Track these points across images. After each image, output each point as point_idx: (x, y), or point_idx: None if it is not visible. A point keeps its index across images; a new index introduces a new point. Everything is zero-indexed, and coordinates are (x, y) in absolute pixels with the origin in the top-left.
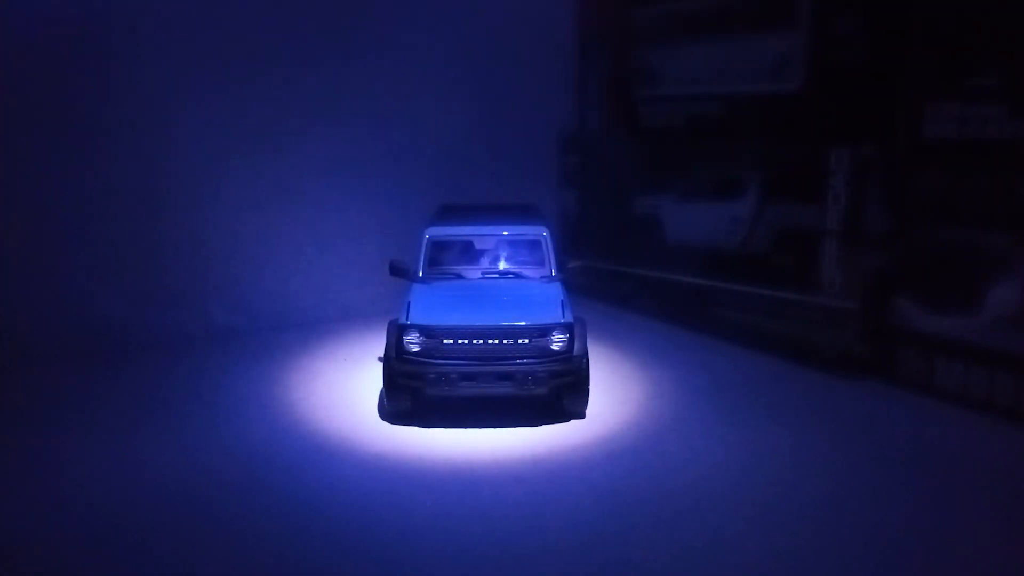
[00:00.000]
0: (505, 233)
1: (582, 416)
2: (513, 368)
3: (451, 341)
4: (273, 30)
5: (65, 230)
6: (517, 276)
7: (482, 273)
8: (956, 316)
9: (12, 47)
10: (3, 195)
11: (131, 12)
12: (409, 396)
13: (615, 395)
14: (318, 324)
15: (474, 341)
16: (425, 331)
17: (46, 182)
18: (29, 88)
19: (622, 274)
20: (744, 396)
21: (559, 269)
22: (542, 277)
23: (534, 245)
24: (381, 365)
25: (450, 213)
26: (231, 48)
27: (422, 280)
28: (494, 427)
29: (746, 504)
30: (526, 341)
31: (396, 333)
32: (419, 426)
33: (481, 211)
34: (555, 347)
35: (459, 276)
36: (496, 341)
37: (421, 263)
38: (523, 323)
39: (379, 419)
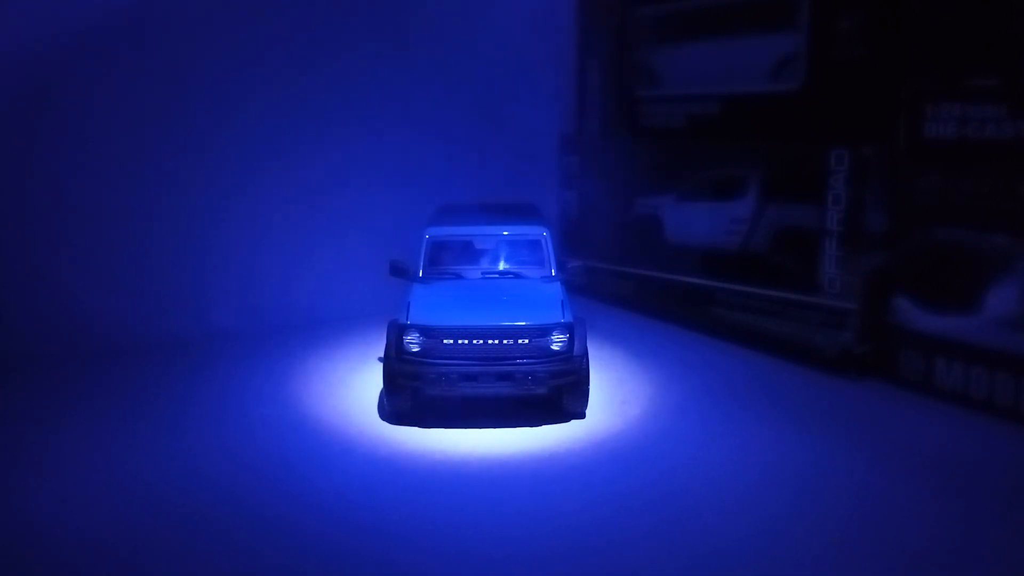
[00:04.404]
0: (505, 233)
1: (582, 416)
2: (513, 368)
3: (451, 341)
4: (277, 33)
5: (65, 232)
6: (517, 276)
7: (482, 273)
8: (956, 316)
9: (12, 48)
10: (3, 196)
11: (134, 16)
12: (409, 396)
13: (615, 395)
14: (318, 325)
15: (474, 341)
16: (425, 331)
17: (46, 184)
18: (30, 90)
19: (622, 274)
20: (744, 396)
21: (559, 269)
22: (542, 277)
23: (534, 245)
24: (381, 365)
25: (450, 213)
26: (233, 51)
27: (422, 280)
28: (494, 427)
29: (746, 504)
30: (526, 341)
31: (396, 333)
32: (419, 426)
33: (481, 211)
34: (555, 347)
35: (459, 276)
36: (496, 341)
37: (421, 263)
38: (523, 323)
39: (379, 419)
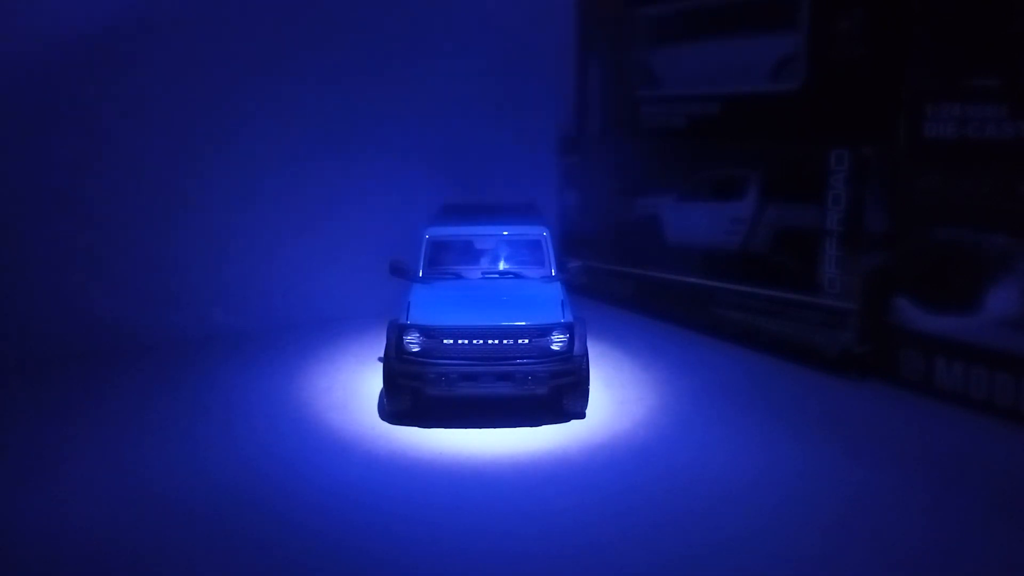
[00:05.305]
0: (505, 233)
1: (582, 416)
2: (513, 368)
3: (451, 341)
4: (277, 36)
5: (67, 232)
6: (517, 276)
7: (482, 273)
8: (956, 316)
9: (19, 51)
10: (5, 196)
11: (142, 22)
12: (409, 396)
13: (615, 395)
14: (318, 325)
15: (474, 341)
16: (425, 331)
17: (48, 184)
18: (34, 92)
19: (622, 274)
20: (744, 396)
21: (559, 269)
22: (542, 277)
23: (534, 245)
24: (381, 365)
25: (450, 213)
26: (235, 54)
27: (422, 280)
28: (494, 427)
29: (746, 504)
30: (526, 341)
31: (396, 333)
32: (419, 426)
33: (481, 211)
34: (555, 347)
35: (459, 276)
36: (496, 341)
37: (421, 263)
38: (523, 323)
39: (379, 419)
